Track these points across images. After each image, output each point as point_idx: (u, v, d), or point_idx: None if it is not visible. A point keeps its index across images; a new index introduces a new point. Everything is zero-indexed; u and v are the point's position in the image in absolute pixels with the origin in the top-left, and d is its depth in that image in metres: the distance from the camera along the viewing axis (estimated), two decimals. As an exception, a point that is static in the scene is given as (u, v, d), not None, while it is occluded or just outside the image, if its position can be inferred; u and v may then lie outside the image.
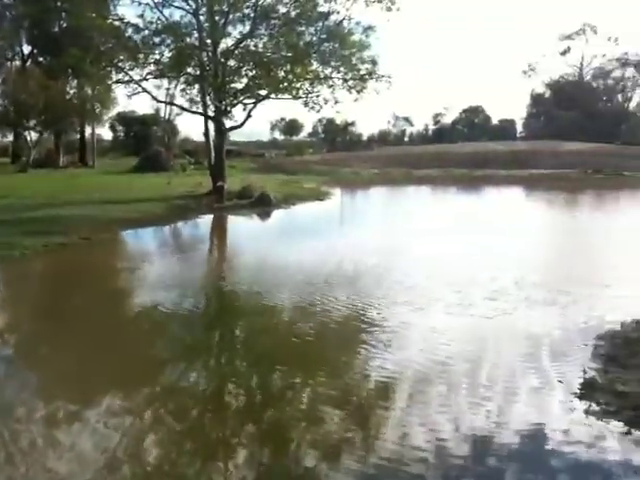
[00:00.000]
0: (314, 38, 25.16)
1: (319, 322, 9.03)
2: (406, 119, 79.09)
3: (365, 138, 72.89)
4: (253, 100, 26.46)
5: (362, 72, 25.39)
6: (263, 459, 5.17)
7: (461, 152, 52.47)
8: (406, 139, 78.37)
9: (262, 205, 23.92)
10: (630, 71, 68.93)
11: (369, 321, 8.91)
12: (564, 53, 72.75)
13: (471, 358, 7.33)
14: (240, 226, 21.71)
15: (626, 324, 8.30)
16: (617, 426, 5.53)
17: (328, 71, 25.61)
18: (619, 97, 73.49)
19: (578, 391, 6.25)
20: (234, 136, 54.47)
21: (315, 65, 25.76)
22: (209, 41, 25.66)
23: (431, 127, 79.62)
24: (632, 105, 72.24)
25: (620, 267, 12.56)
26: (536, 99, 76.45)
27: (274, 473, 4.97)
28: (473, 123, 77.91)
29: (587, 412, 5.82)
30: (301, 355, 7.83)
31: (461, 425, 5.63)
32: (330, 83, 25.61)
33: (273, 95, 26.25)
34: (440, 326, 8.55)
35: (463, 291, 10.40)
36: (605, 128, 63.94)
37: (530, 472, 4.92)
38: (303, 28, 25.20)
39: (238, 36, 25.97)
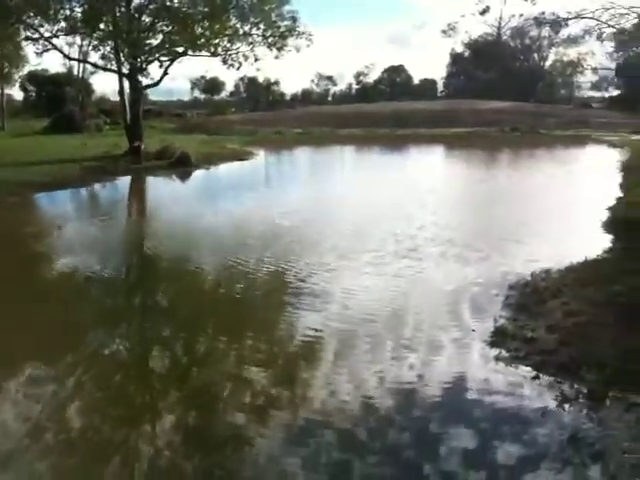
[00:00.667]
0: (232, -7, 24.44)
1: (239, 281, 8.96)
2: (329, 78, 78.69)
3: (288, 97, 72.13)
4: (170, 57, 25.61)
5: (282, 29, 24.98)
6: (190, 422, 5.10)
7: (383, 111, 52.68)
8: (329, 98, 78.01)
9: (182, 166, 23.36)
10: (546, 30, 70.66)
11: (289, 281, 8.91)
12: (483, 13, 73.48)
13: (389, 313, 7.45)
14: (158, 187, 21.16)
15: (535, 274, 8.64)
16: (526, 370, 5.76)
17: (247, 27, 25.09)
18: (535, 56, 75.27)
19: (489, 339, 6.47)
20: (153, 95, 52.99)
21: (234, 21, 25.14)
22: (122, -5, 24.54)
23: (354, 86, 79.57)
24: (547, 64, 74.20)
25: (530, 223, 12.99)
26: (456, 58, 77.29)
27: (201, 436, 4.89)
28: (395, 82, 78.25)
29: (498, 358, 6.04)
30: (224, 315, 7.76)
31: (380, 377, 5.72)
32: (249, 40, 25.19)
33: (190, 52, 25.49)
34: (357, 286, 8.57)
35: (381, 250, 10.50)
36: (522, 87, 65.58)
37: (443, 418, 5.04)
38: (220, -18, 24.40)
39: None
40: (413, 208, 14.49)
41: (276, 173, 26.27)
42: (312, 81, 78.16)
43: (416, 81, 79.54)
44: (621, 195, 15.68)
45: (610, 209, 13.60)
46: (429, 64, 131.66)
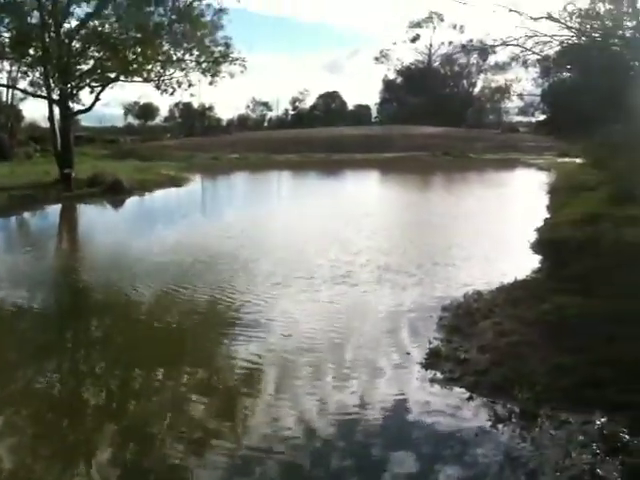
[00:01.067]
0: (164, 19, 24.35)
1: (172, 311, 8.78)
2: (265, 104, 79.11)
3: (224, 123, 72.04)
4: (101, 83, 25.20)
5: (215, 55, 24.98)
6: (127, 458, 4.91)
7: (319, 137, 53.22)
8: (265, 124, 78.33)
9: (115, 193, 22.86)
10: (474, 58, 73.20)
11: (223, 311, 8.81)
12: (413, 40, 75.80)
13: (325, 340, 7.43)
14: (89, 216, 20.66)
15: (468, 295, 8.80)
16: (460, 392, 5.82)
17: (180, 53, 24.97)
18: (465, 83, 77.77)
19: (424, 361, 6.52)
20: (85, 121, 52.01)
21: (166, 47, 24.99)
22: (51, 21, 24.04)
23: (290, 112, 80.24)
24: (476, 90, 76.77)
25: (462, 246, 13.27)
26: (388, 85, 79.10)
27: (139, 470, 4.71)
28: (330, 108, 79.34)
29: (433, 380, 6.08)
30: (159, 347, 7.57)
31: (322, 404, 5.68)
32: (183, 65, 25.01)
33: (122, 77, 25.16)
34: (292, 314, 8.49)
35: (317, 276, 10.46)
36: (453, 112, 67.62)
37: (384, 442, 5.03)
38: (152, 8, 24.29)
39: (83, 16, 24.58)
40: (348, 233, 14.56)
41: (212, 199, 26.09)
42: (248, 107, 78.39)
43: (350, 107, 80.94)
44: (548, 216, 16.23)
45: (538, 230, 14.05)
46: (363, 90, 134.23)
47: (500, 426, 5.11)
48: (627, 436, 4.77)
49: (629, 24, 12.81)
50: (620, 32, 13.22)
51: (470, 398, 5.67)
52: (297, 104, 79.91)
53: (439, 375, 6.18)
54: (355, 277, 10.35)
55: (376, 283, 9.99)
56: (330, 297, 9.24)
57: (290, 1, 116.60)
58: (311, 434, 5.17)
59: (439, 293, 9.30)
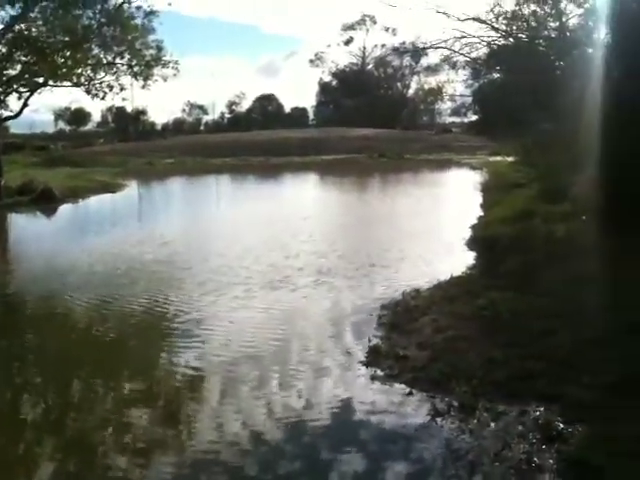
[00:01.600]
0: (93, 22, 23.78)
1: (108, 322, 8.58)
2: (201, 107, 78.38)
3: (159, 127, 70.93)
4: (29, 88, 24.42)
5: (147, 58, 24.57)
6: (69, 471, 4.77)
7: (256, 140, 53.06)
8: (202, 128, 77.56)
9: (46, 201, 22.14)
10: (407, 60, 74.48)
11: (158, 319, 8.68)
12: (347, 43, 76.61)
13: (265, 345, 7.41)
14: (19, 225, 20.00)
15: (406, 293, 8.93)
16: (400, 388, 5.90)
17: (111, 57, 24.42)
18: (399, 85, 79.04)
19: (365, 359, 6.59)
20: (14, 128, 50.19)
21: (96, 50, 24.44)
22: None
23: (226, 115, 79.72)
24: (410, 92, 78.13)
25: (400, 245, 13.47)
26: (324, 87, 79.65)
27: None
28: (267, 111, 79.25)
29: (373, 378, 6.15)
30: (98, 358, 7.37)
31: (260, 409, 5.65)
32: (114, 69, 24.47)
33: (51, 82, 24.44)
34: (231, 321, 8.41)
35: (254, 281, 10.37)
36: (388, 114, 68.59)
37: (329, 442, 5.06)
38: (80, 11, 23.67)
39: (8, 19, 23.75)
40: (286, 237, 14.45)
41: (147, 205, 25.62)
42: (183, 110, 77.46)
43: (287, 110, 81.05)
44: (482, 214, 16.63)
45: (472, 228, 14.38)
46: (299, 93, 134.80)
47: (440, 420, 5.21)
48: (561, 424, 4.93)
49: (552, 25, 13.30)
50: (545, 33, 13.70)
51: (410, 394, 5.76)
52: (234, 107, 79.56)
53: (379, 372, 6.25)
54: (294, 281, 10.28)
55: (315, 286, 9.98)
56: (270, 302, 9.17)
57: (224, 4, 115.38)
58: (258, 439, 5.14)
59: (378, 293, 9.40)
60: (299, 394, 5.93)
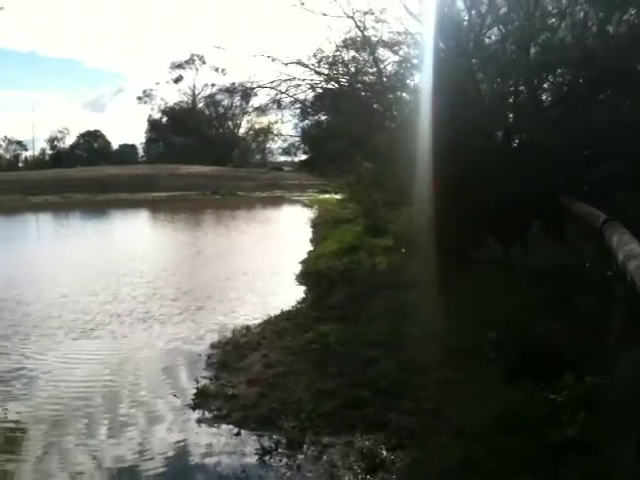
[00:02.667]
0: None
1: None
2: (19, 143, 73.50)
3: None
4: None
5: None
6: None
7: (81, 176, 50.61)
8: (21, 164, 72.63)
9: None
10: (237, 100, 75.34)
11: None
12: (177, 81, 76.09)
13: (87, 394, 6.90)
14: None
15: (236, 330, 8.81)
16: (228, 429, 5.72)
17: None
18: (230, 124, 79.63)
19: (192, 401, 6.33)
20: None
21: None
22: None
23: (48, 152, 75.41)
24: (241, 131, 78.94)
25: (233, 282, 13.36)
26: (154, 125, 78.16)
27: None
28: (92, 148, 76.14)
29: (200, 421, 5.91)
30: None
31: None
32: None
33: None
34: (42, 372, 7.82)
35: (71, 328, 9.72)
36: (220, 152, 68.76)
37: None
38: None
39: None
40: (110, 281, 13.48)
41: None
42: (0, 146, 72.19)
43: (115, 146, 78.49)
44: (312, 249, 17.04)
45: (302, 262, 14.65)
46: (129, 130, 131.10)
47: (266, 458, 5.09)
48: (384, 452, 5.03)
49: (370, 70, 14.11)
50: (364, 78, 14.49)
51: (238, 434, 5.59)
52: (56, 143, 75.44)
53: (207, 414, 6.02)
54: (115, 327, 9.64)
55: (140, 331, 9.45)
56: (90, 350, 8.50)
57: (46, 38, 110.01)
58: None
59: (208, 332, 9.13)
60: (127, 442, 5.55)
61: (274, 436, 5.40)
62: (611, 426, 4.26)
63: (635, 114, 11.33)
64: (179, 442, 5.53)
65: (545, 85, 13.15)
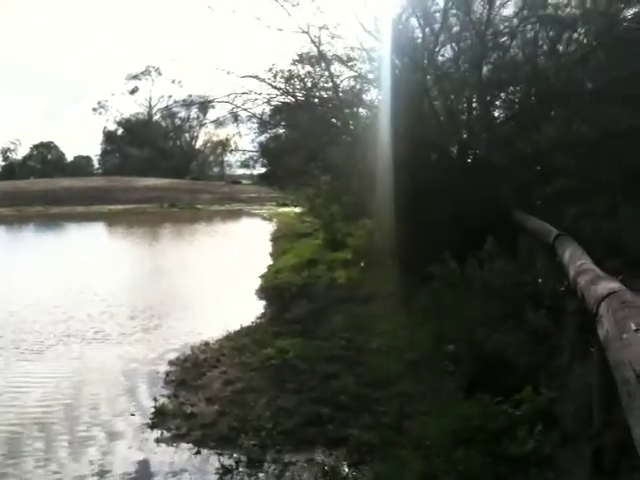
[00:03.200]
0: None
1: None
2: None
3: None
4: None
5: None
6: None
7: (34, 189, 49.58)
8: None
9: None
10: (195, 112, 74.82)
11: None
12: (132, 92, 75.22)
13: (42, 414, 6.75)
14: None
15: (195, 347, 8.73)
16: (187, 448, 5.66)
17: None
18: (187, 136, 79.04)
19: (150, 420, 6.25)
20: None
21: None
22: None
23: (0, 163, 73.66)
24: (199, 143, 78.43)
25: (191, 298, 13.25)
26: (109, 136, 77.02)
27: None
28: (46, 159, 74.64)
29: (159, 440, 5.83)
30: None
31: None
32: None
33: None
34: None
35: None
36: (177, 165, 68.19)
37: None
38: None
39: None
40: (59, 298, 13.05)
41: None
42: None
43: (70, 158, 77.06)
44: (271, 263, 17.00)
45: (262, 277, 14.60)
46: (83, 141, 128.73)
47: (227, 477, 5.06)
48: (346, 468, 5.06)
49: (326, 85, 14.26)
50: (321, 93, 14.63)
51: (198, 453, 5.55)
52: (8, 154, 73.71)
53: (166, 434, 5.95)
54: (80, 345, 9.43)
55: (94, 349, 9.25)
56: (56, 368, 8.32)
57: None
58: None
59: (167, 350, 9.01)
60: (83, 464, 5.44)
61: (234, 454, 5.37)
62: (566, 439, 4.37)
63: (583, 131, 11.74)
64: (138, 461, 5.46)
65: (497, 102, 13.49)
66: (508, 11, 12.90)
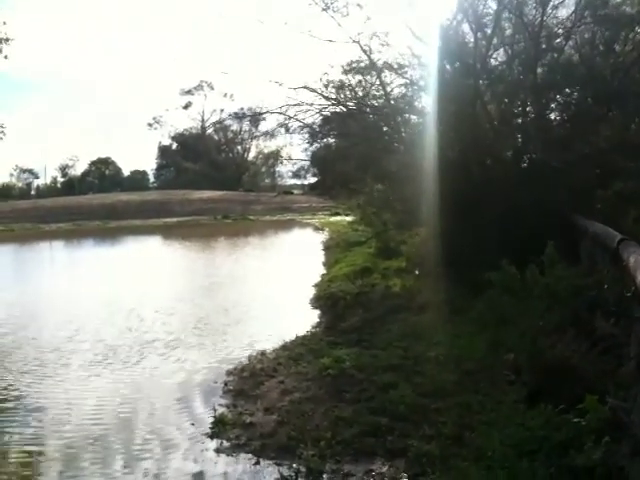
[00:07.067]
0: None
1: None
2: (30, 171, 74.28)
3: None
4: None
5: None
6: None
7: (92, 204, 51.01)
8: (33, 192, 73.28)
9: None
10: (246, 124, 75.79)
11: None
12: (186, 107, 76.78)
13: (112, 421, 6.91)
14: None
15: (252, 357, 8.79)
16: (247, 458, 5.69)
17: None
18: (239, 148, 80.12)
19: (210, 430, 6.31)
20: None
21: None
22: None
23: (60, 179, 76.12)
24: (251, 155, 79.40)
25: (249, 307, 13.36)
26: (164, 151, 78.73)
27: None
28: (104, 175, 76.81)
29: (218, 450, 5.88)
30: None
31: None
32: None
33: None
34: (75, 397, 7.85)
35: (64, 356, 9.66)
36: (229, 177, 69.12)
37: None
38: None
39: None
40: (130, 307, 13.52)
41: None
42: (11, 175, 72.95)
43: (126, 173, 79.06)
44: (325, 272, 17.01)
45: (315, 286, 14.63)
46: (139, 156, 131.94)
47: (287, 488, 5.07)
48: (407, 480, 5.00)
49: (377, 93, 14.25)
50: (372, 102, 14.61)
51: (257, 463, 5.57)
52: (67, 171, 76.14)
53: (226, 443, 6.00)
54: (137, 355, 9.62)
55: (159, 359, 9.42)
56: (112, 379, 8.51)
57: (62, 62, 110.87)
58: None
59: (225, 359, 9.10)
60: (145, 473, 5.54)
61: (294, 465, 5.38)
62: (636, 450, 4.20)
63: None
64: (197, 472, 5.52)
65: (553, 104, 13.20)
66: (561, 12, 12.67)
